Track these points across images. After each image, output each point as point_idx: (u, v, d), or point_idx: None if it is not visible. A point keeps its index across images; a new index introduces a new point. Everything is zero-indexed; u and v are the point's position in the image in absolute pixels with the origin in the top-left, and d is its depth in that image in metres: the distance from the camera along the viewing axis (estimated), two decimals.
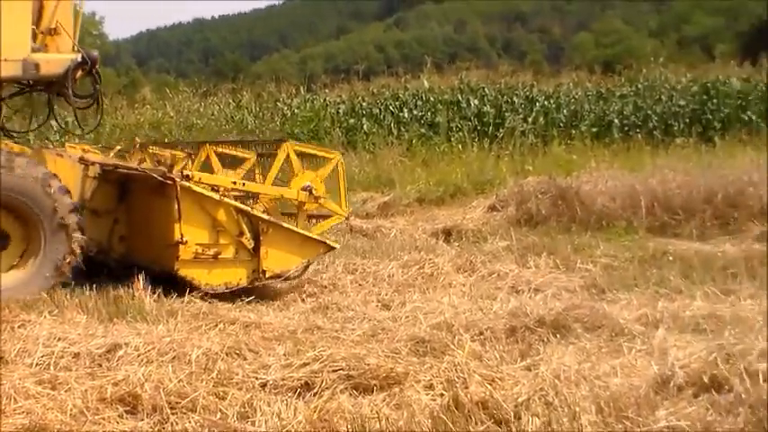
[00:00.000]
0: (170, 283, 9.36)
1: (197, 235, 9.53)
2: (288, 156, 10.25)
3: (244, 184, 10.18)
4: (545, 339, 7.45)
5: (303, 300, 9.48)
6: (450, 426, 5.64)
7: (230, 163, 11.43)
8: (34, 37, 10.00)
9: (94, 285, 9.22)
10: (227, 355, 6.97)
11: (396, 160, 20.23)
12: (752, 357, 5.86)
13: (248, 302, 9.27)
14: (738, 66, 29.63)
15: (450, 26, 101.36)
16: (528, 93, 25.47)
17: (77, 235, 9.38)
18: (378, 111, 24.54)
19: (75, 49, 10.18)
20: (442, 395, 6.18)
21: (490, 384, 6.21)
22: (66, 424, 5.65)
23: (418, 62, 33.03)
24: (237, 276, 9.75)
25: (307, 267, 10.03)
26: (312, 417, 5.94)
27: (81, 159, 10.28)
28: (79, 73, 10.11)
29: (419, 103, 24.73)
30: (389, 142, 22.01)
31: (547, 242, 11.54)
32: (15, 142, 10.44)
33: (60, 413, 5.76)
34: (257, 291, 9.65)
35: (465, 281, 9.92)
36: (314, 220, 10.64)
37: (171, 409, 5.97)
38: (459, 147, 21.38)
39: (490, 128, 23.60)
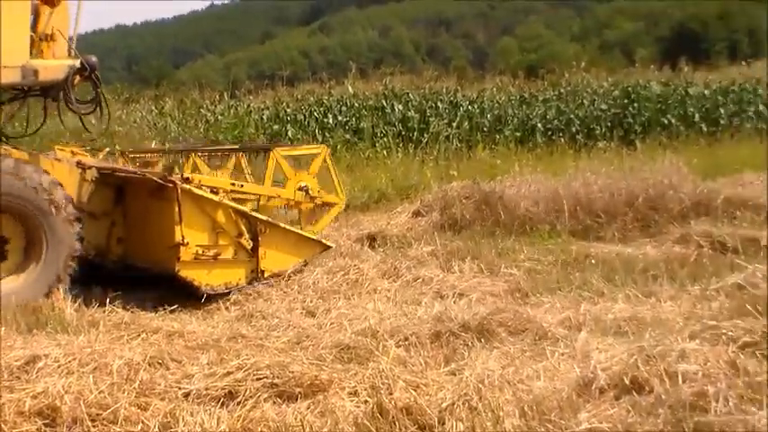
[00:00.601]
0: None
1: (197, 236, 9.74)
2: (277, 162, 10.64)
3: (242, 185, 10.43)
4: (469, 344, 7.48)
5: (227, 308, 9.43)
6: None
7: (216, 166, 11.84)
8: (31, 43, 10.01)
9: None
10: (149, 365, 6.89)
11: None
12: (671, 359, 5.93)
13: (171, 311, 9.19)
14: (658, 70, 30.06)
15: (374, 31, 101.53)
16: (452, 98, 25.55)
17: (77, 241, 9.51)
18: (302, 117, 24.44)
19: (74, 54, 10.30)
20: (366, 402, 6.19)
21: (414, 390, 6.22)
22: None
23: (343, 68, 32.98)
24: (237, 276, 10.00)
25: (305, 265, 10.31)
26: (236, 426, 5.92)
27: (78, 163, 10.38)
28: (78, 78, 10.27)
29: (344, 108, 24.69)
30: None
31: (471, 247, 11.58)
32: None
33: None
34: (181, 299, 9.57)
35: (390, 286, 9.92)
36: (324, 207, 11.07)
37: (92, 421, 5.90)
38: (384, 152, 21.37)
39: (415, 133, 23.63)
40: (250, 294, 9.68)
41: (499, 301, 9.16)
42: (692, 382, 5.65)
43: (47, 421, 5.89)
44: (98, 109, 10.59)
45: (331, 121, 24.11)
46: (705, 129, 25.55)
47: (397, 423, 5.82)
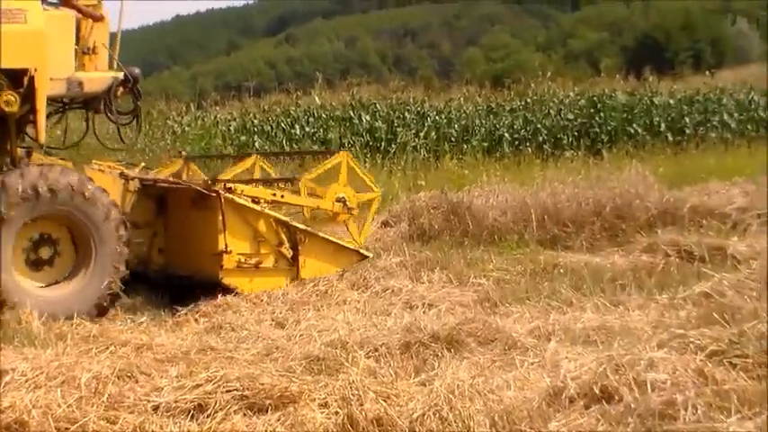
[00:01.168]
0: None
1: (239, 245, 10.10)
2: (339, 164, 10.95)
3: (282, 195, 10.69)
4: (439, 354, 7.49)
5: (196, 320, 9.39)
6: None
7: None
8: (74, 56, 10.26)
9: None
10: (118, 378, 6.85)
11: None
12: (640, 367, 5.96)
13: (140, 324, 9.15)
14: (623, 80, 30.23)
15: (340, 42, 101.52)
16: (419, 108, 25.59)
17: (125, 252, 9.80)
18: (269, 128, 24.37)
19: (117, 67, 10.61)
20: (336, 413, 6.18)
21: (385, 401, 6.22)
22: None
23: (309, 78, 32.99)
24: (278, 285, 10.25)
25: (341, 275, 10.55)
26: None
27: (121, 174, 10.68)
28: (120, 90, 10.59)
29: (311, 119, 24.66)
30: (282, 159, 21.92)
31: (440, 257, 11.58)
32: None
33: None
34: (151, 311, 9.54)
35: (359, 297, 9.92)
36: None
37: None
38: None
39: (382, 143, 23.65)
40: (219, 306, 9.65)
41: (468, 311, 9.17)
42: (661, 390, 5.68)
43: None
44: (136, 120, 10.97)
45: (298, 131, 24.07)
46: (671, 138, 25.71)
47: None
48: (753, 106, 27.82)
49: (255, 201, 10.30)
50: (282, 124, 24.51)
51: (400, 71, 66.09)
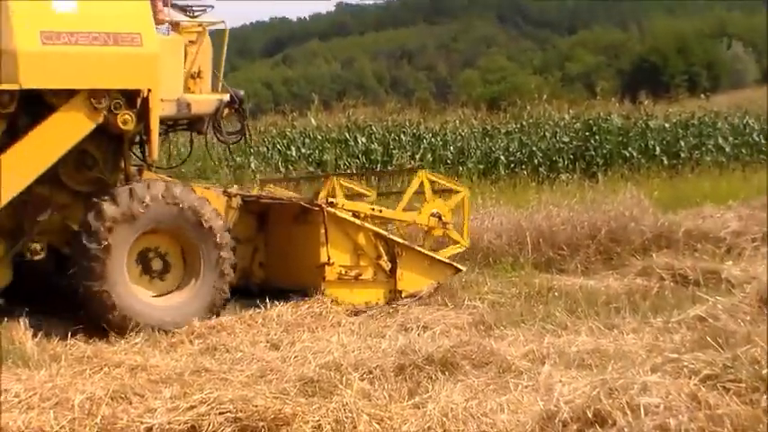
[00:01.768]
0: None
1: (341, 257, 10.64)
2: (422, 183, 11.34)
3: (381, 210, 11.24)
4: (433, 377, 7.49)
5: (191, 341, 9.36)
6: None
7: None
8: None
9: None
10: (111, 399, 6.84)
11: None
12: (633, 391, 5.96)
13: (134, 344, 9.13)
14: (619, 103, 30.30)
15: (337, 63, 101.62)
16: (415, 130, 25.63)
17: (232, 257, 10.28)
18: (265, 149, 24.39)
19: (222, 88, 11.23)
20: None
21: (378, 424, 6.23)
22: None
23: (306, 99, 33.02)
24: (376, 296, 10.81)
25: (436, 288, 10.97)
26: None
27: (224, 191, 11.42)
28: (226, 111, 11.20)
29: (307, 140, 24.68)
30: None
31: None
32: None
33: None
34: (145, 332, 9.52)
35: (354, 319, 9.94)
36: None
37: None
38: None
39: (378, 165, 23.68)
40: (214, 327, 9.63)
41: (463, 333, 9.17)
42: (654, 414, 5.68)
43: None
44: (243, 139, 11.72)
45: (294, 153, 24.09)
46: (666, 161, 25.73)
47: None
48: (748, 130, 27.87)
49: (355, 215, 10.84)
50: (278, 145, 24.52)
51: (397, 93, 66.12)
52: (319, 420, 6.40)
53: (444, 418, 6.20)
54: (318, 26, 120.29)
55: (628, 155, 25.67)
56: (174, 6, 10.99)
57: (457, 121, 27.32)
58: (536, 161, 25.04)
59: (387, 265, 10.83)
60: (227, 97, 11.13)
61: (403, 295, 10.82)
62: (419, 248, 11.11)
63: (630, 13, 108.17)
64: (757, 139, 27.68)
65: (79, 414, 6.41)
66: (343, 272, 10.63)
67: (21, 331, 8.94)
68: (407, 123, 26.05)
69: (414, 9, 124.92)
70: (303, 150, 24.25)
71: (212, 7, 11.40)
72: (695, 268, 11.33)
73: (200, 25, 11.22)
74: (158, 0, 10.54)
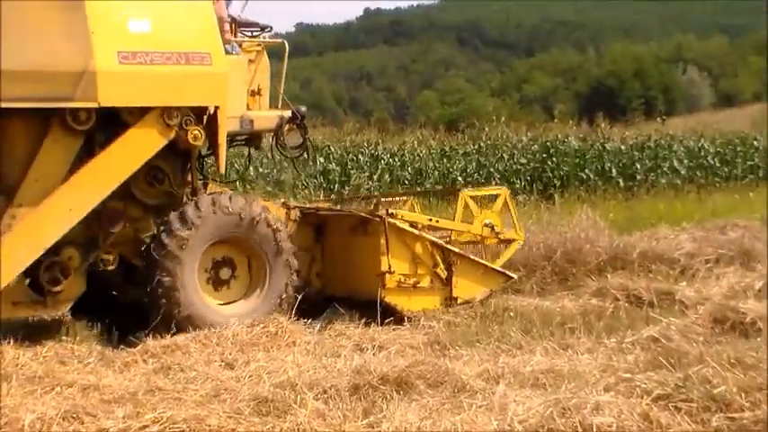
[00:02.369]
0: None
1: (399, 266, 11.04)
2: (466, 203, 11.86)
3: (437, 221, 11.80)
4: (388, 397, 7.46)
5: (145, 360, 9.26)
6: None
7: None
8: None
9: None
10: (63, 419, 6.75)
11: None
12: (586, 411, 6.00)
13: (87, 364, 9.04)
14: (576, 125, 30.55)
15: (295, 83, 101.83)
16: (373, 150, 25.69)
17: (296, 264, 10.74)
18: (225, 168, 24.28)
19: (283, 104, 11.71)
20: None
21: None
22: None
23: None
24: (432, 303, 11.22)
25: (489, 295, 11.44)
26: None
27: (284, 204, 11.97)
28: (288, 127, 11.62)
29: (265, 160, 24.61)
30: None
31: None
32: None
33: None
34: (99, 351, 9.43)
35: (309, 339, 9.88)
36: (502, 246, 12.16)
37: None
38: None
39: (336, 186, 23.69)
40: (168, 347, 9.54)
41: (418, 353, 9.16)
42: None
43: None
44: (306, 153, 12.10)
45: (252, 172, 24.02)
46: (622, 183, 25.99)
47: None
48: (702, 153, 28.23)
49: (413, 225, 11.29)
50: (236, 165, 24.44)
51: (356, 113, 66.33)
52: None
53: None
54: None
55: (584, 177, 25.91)
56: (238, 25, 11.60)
57: (415, 142, 27.44)
58: (493, 182, 25.14)
59: (443, 273, 11.28)
60: (288, 113, 11.59)
61: (458, 302, 11.26)
62: (474, 257, 11.58)
63: (588, 36, 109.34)
64: (712, 161, 28.05)
65: None
66: (402, 280, 11.05)
67: None
68: (366, 144, 26.11)
69: (373, 30, 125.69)
70: (261, 169, 24.19)
71: (271, 28, 12.09)
72: (649, 289, 11.39)
73: (259, 44, 11.70)
74: (225, 21, 11.07)
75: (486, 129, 28.57)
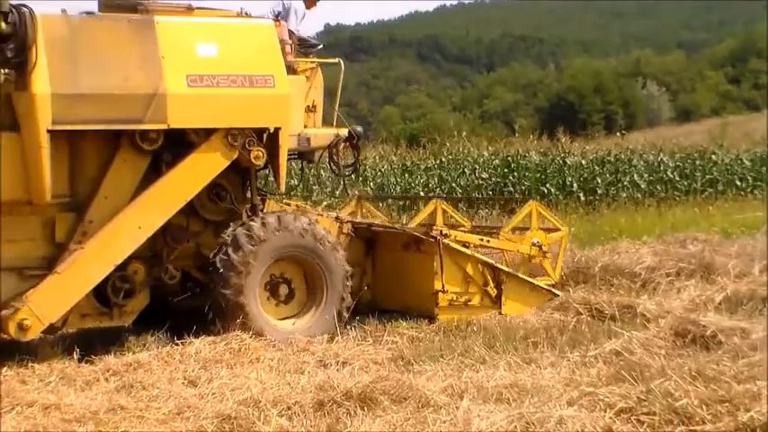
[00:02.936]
0: None
1: (451, 285, 11.44)
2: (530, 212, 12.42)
3: (488, 241, 12.25)
4: (352, 413, 7.46)
5: (107, 379, 9.18)
6: None
7: None
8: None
9: None
10: None
11: None
12: (550, 425, 6.02)
13: (48, 383, 8.94)
14: (537, 140, 30.66)
15: None
16: None
17: (349, 284, 11.08)
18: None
19: (340, 123, 12.25)
20: None
21: None
22: None
23: None
24: None
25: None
26: None
27: (336, 218, 12.21)
28: (343, 145, 12.12)
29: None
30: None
31: (354, 315, 11.57)
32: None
33: None
34: (57, 371, 9.34)
35: (273, 356, 9.83)
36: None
37: None
38: None
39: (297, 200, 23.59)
40: (130, 365, 9.48)
41: (382, 368, 9.16)
42: None
43: None
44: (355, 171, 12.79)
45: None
46: (583, 198, 26.07)
47: None
48: (662, 167, 28.38)
49: (465, 245, 11.73)
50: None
51: None
52: None
53: None
54: None
55: (545, 191, 25.98)
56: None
57: (377, 157, 27.42)
58: (455, 197, 25.18)
59: (493, 292, 11.67)
60: (345, 132, 12.07)
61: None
62: (521, 276, 11.92)
63: (548, 51, 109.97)
64: (671, 175, 28.21)
65: None
66: (454, 298, 11.44)
67: None
68: None
69: (333, 46, 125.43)
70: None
71: (322, 46, 12.80)
72: (611, 303, 11.45)
73: (314, 62, 12.13)
74: (287, 43, 11.45)
75: (448, 144, 28.59)
